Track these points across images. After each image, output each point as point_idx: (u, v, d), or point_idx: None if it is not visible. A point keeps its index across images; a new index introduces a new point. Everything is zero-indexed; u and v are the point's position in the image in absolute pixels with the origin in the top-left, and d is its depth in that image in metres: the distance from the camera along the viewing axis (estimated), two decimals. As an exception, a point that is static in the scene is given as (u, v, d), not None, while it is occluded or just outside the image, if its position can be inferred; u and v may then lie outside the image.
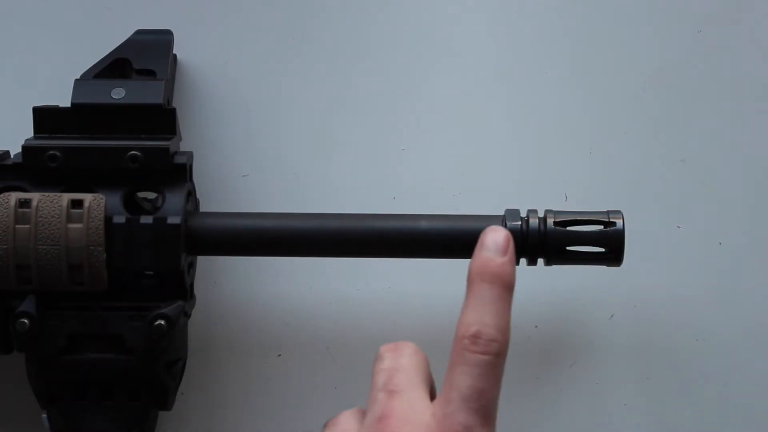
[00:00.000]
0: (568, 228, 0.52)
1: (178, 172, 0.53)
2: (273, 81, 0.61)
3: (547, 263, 0.52)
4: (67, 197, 0.51)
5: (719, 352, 0.61)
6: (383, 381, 0.41)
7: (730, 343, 0.61)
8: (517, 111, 0.61)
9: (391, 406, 0.40)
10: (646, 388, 0.61)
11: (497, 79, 0.61)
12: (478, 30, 0.61)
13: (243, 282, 0.61)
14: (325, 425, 0.43)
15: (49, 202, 0.51)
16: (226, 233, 0.53)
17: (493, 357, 0.40)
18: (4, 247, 0.50)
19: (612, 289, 0.61)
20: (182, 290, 0.53)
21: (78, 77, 0.55)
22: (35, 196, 0.51)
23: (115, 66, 0.56)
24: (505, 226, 0.51)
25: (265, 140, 0.61)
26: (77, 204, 0.51)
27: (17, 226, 0.50)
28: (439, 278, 0.59)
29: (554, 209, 0.52)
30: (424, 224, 0.52)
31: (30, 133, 0.54)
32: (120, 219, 0.51)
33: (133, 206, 0.53)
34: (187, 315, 0.54)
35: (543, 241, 0.51)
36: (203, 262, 0.60)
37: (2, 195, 0.51)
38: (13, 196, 0.51)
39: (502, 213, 0.52)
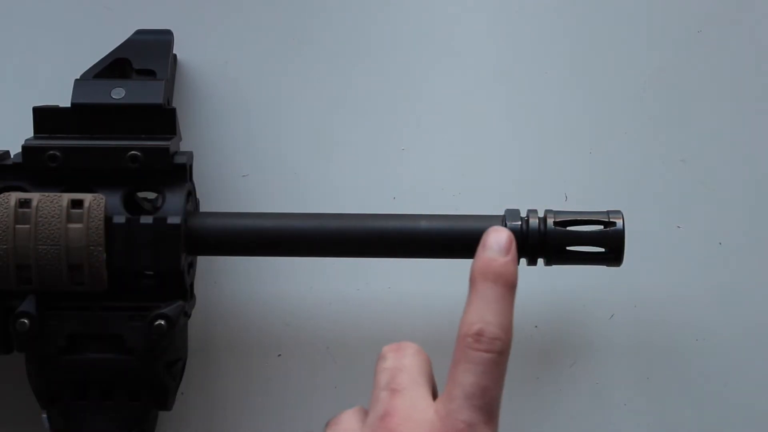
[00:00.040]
0: (568, 228, 0.52)
1: (178, 172, 0.53)
2: (273, 81, 0.61)
3: (547, 263, 0.52)
4: (67, 197, 0.51)
5: (719, 352, 0.61)
6: (386, 380, 0.41)
7: (730, 343, 0.61)
8: (517, 111, 0.61)
9: (394, 404, 0.40)
10: (646, 388, 0.61)
11: (497, 79, 0.61)
12: (478, 30, 0.61)
13: (243, 282, 0.61)
14: (327, 424, 0.43)
15: (49, 202, 0.51)
16: (226, 233, 0.53)
17: (497, 355, 0.40)
18: (4, 247, 0.50)
19: (612, 289, 0.61)
20: (182, 290, 0.53)
21: (78, 77, 0.55)
22: (35, 196, 0.51)
23: (115, 66, 0.56)
24: (505, 226, 0.51)
25: (265, 140, 0.61)
26: (77, 204, 0.51)
27: (17, 226, 0.50)
28: (439, 278, 0.59)
29: (554, 209, 0.52)
30: (424, 224, 0.52)
31: (30, 133, 0.54)
32: (120, 219, 0.51)
33: (133, 206, 0.53)
34: (187, 315, 0.54)
35: (543, 241, 0.51)
36: (203, 262, 0.60)
37: (2, 195, 0.51)
38: (13, 196, 0.51)
39: (502, 213, 0.52)
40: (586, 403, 0.61)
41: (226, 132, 0.61)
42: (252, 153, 0.61)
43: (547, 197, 0.59)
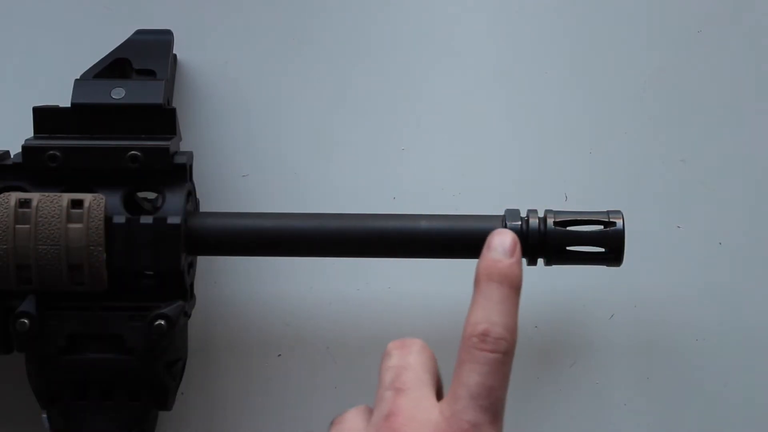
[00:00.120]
0: (568, 228, 0.52)
1: (178, 172, 0.53)
2: (273, 81, 0.61)
3: (547, 263, 0.52)
4: (67, 197, 0.51)
5: (719, 352, 0.61)
6: (390, 379, 0.41)
7: (730, 343, 0.61)
8: (517, 111, 0.61)
9: (399, 404, 0.40)
10: (646, 388, 0.61)
11: (497, 79, 0.61)
12: (478, 30, 0.61)
13: (243, 282, 0.61)
14: (332, 423, 0.43)
15: (49, 202, 0.51)
16: (226, 233, 0.53)
17: (502, 355, 0.40)
18: (4, 247, 0.50)
19: (612, 289, 0.61)
20: (182, 290, 0.53)
21: (78, 77, 0.55)
22: (35, 196, 0.51)
23: (115, 66, 0.56)
24: (505, 226, 0.51)
25: (265, 140, 0.61)
26: (77, 204, 0.51)
27: (17, 226, 0.50)
28: (439, 278, 0.59)
29: (554, 209, 0.52)
30: (424, 224, 0.52)
31: (30, 133, 0.54)
32: (120, 219, 0.51)
33: (133, 206, 0.53)
34: (187, 315, 0.54)
35: (543, 241, 0.51)
36: (203, 262, 0.60)
37: (2, 195, 0.51)
38: (13, 196, 0.51)
39: (502, 213, 0.52)
40: (586, 403, 0.61)
41: (226, 132, 0.61)
42: (252, 153, 0.61)
43: (547, 197, 0.59)
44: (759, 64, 0.61)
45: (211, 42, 0.61)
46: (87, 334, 0.52)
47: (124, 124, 0.54)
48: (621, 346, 0.61)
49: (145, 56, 0.56)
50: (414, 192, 0.61)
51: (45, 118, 0.54)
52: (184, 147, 0.57)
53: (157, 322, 0.51)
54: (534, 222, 0.52)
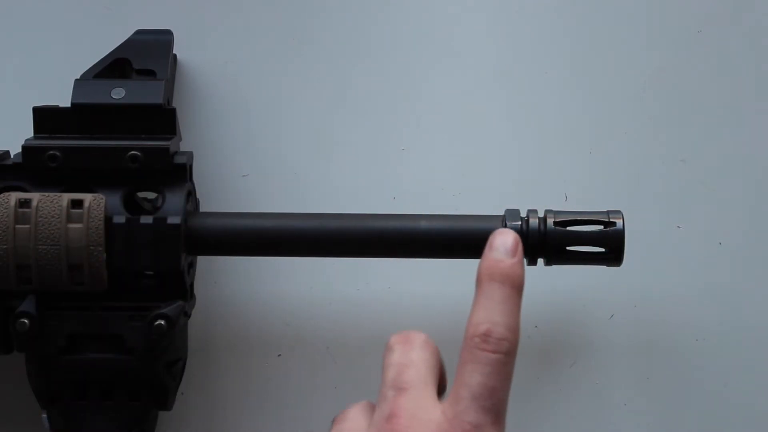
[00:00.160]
0: (568, 228, 0.52)
1: (178, 172, 0.53)
2: (273, 81, 0.61)
3: (547, 263, 0.52)
4: (67, 197, 0.51)
5: (719, 352, 0.61)
6: (392, 377, 0.41)
7: (730, 343, 0.61)
8: (517, 111, 0.61)
9: (400, 404, 0.40)
10: (646, 388, 0.61)
11: (497, 79, 0.61)
12: (478, 30, 0.61)
13: (243, 282, 0.61)
14: (333, 421, 0.43)
15: (49, 202, 0.51)
16: (226, 233, 0.53)
17: (504, 356, 0.40)
18: (4, 247, 0.50)
19: (612, 289, 0.61)
20: (182, 290, 0.53)
21: (78, 77, 0.55)
22: (35, 196, 0.51)
23: (115, 66, 0.56)
24: (505, 226, 0.51)
25: (265, 140, 0.61)
26: (77, 204, 0.51)
27: (17, 226, 0.50)
28: (439, 278, 0.59)
29: (554, 209, 0.52)
30: (424, 224, 0.52)
31: (30, 133, 0.54)
32: (120, 219, 0.51)
33: (133, 206, 0.53)
34: (187, 315, 0.54)
35: (543, 241, 0.51)
36: (203, 262, 0.60)
37: (2, 195, 0.51)
38: (13, 196, 0.51)
39: (502, 213, 0.52)
40: (586, 403, 0.61)
41: (226, 132, 0.61)
42: (252, 153, 0.61)
43: (547, 197, 0.59)
44: (759, 64, 0.61)
45: (211, 42, 0.61)
46: (87, 334, 0.52)
47: (124, 124, 0.54)
48: (621, 346, 0.61)
49: (145, 56, 0.56)
50: (414, 192, 0.61)
51: (45, 118, 0.54)
52: (184, 147, 0.57)
53: (157, 322, 0.51)
54: (534, 222, 0.52)
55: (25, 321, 0.51)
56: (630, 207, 0.55)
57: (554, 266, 0.53)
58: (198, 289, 0.58)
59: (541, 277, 0.56)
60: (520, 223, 0.52)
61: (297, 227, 0.53)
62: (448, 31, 0.61)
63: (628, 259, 0.52)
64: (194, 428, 0.62)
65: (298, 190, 0.61)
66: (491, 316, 0.41)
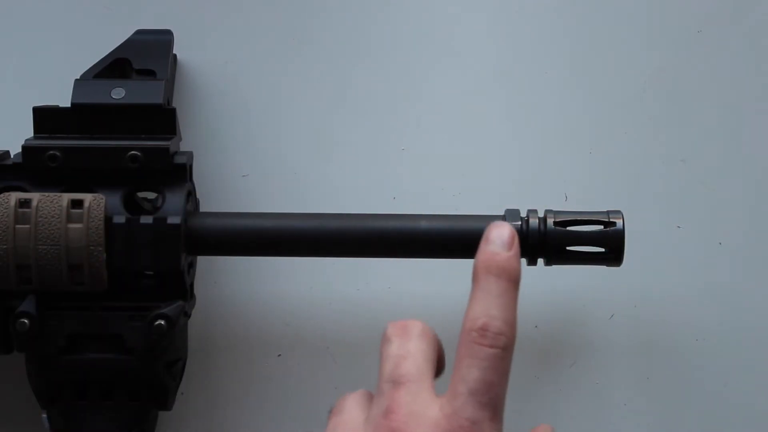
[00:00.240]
0: (568, 228, 0.52)
1: (178, 172, 0.53)
2: (273, 81, 0.61)
3: (547, 263, 0.52)
4: (67, 197, 0.51)
5: (719, 352, 0.61)
6: (390, 369, 0.41)
7: (730, 343, 0.61)
8: (517, 111, 0.61)
9: (397, 398, 0.40)
10: (646, 388, 0.61)
11: (497, 79, 0.61)
12: (478, 30, 0.61)
13: (243, 282, 0.61)
14: (331, 411, 0.42)
15: (49, 202, 0.51)
16: (226, 233, 0.53)
17: (501, 350, 0.40)
18: (4, 247, 0.50)
19: (612, 289, 0.61)
20: (182, 290, 0.53)
21: (78, 77, 0.55)
22: (35, 196, 0.51)
23: (115, 66, 0.56)
24: (505, 226, 0.51)
25: (265, 140, 0.61)
26: (77, 204, 0.51)
27: (17, 226, 0.50)
28: (439, 278, 0.59)
29: (554, 209, 0.52)
30: (424, 224, 0.52)
31: (30, 133, 0.54)
32: (120, 219, 0.51)
33: (133, 206, 0.53)
34: (187, 315, 0.54)
35: (543, 241, 0.51)
36: (203, 262, 0.60)
37: (2, 195, 0.51)
38: (13, 196, 0.51)
39: (502, 213, 0.52)
40: (586, 403, 0.61)
41: (226, 132, 0.61)
42: (252, 153, 0.61)
43: (547, 197, 0.59)
44: (759, 64, 0.61)
45: (211, 42, 0.61)
46: (87, 334, 0.52)
47: (124, 124, 0.54)
48: (621, 346, 0.61)
49: (145, 56, 0.56)
50: (414, 192, 0.61)
51: (45, 118, 0.54)
52: (184, 147, 0.57)
53: (157, 322, 0.51)
54: (534, 222, 0.52)
55: (25, 321, 0.51)
56: (630, 207, 0.55)
57: (554, 266, 0.53)
58: (198, 289, 0.58)
59: (541, 277, 0.56)
60: (520, 223, 0.52)
61: (297, 227, 0.53)
62: (448, 31, 0.61)
63: (628, 259, 0.52)
64: (194, 428, 0.62)
65: (298, 190, 0.61)
66: (488, 309, 0.40)
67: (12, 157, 0.54)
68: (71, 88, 0.54)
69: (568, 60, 0.61)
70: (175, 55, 0.60)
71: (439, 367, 0.43)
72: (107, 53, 0.56)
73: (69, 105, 0.54)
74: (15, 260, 0.50)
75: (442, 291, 0.60)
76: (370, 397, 0.42)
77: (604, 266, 0.53)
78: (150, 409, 0.54)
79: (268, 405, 0.61)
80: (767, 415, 0.61)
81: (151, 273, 0.52)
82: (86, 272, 0.51)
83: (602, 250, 0.52)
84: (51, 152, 0.52)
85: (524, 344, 0.60)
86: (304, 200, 0.61)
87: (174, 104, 0.58)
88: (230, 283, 0.61)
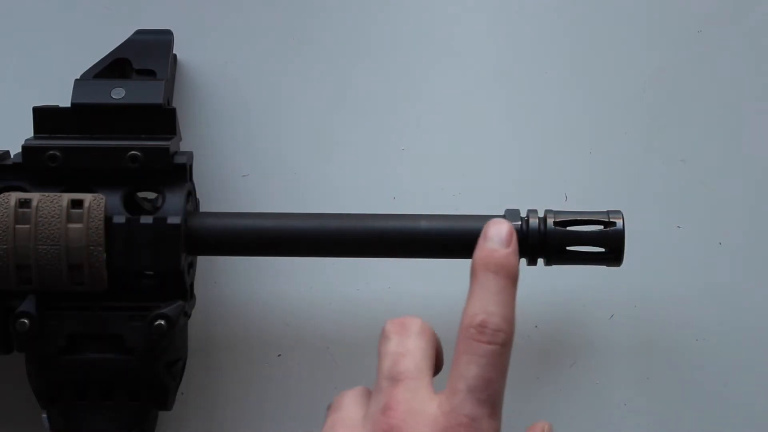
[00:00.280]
0: (568, 228, 0.52)
1: (178, 172, 0.53)
2: (273, 81, 0.61)
3: (547, 263, 0.52)
4: (67, 197, 0.51)
5: (719, 352, 0.61)
6: (388, 367, 0.41)
7: (730, 343, 0.61)
8: (517, 111, 0.61)
9: (396, 396, 0.40)
10: (646, 388, 0.61)
11: (497, 79, 0.61)
12: (478, 30, 0.61)
13: (243, 282, 0.61)
14: (329, 408, 0.42)
15: (49, 202, 0.51)
16: (226, 233, 0.53)
17: (499, 347, 0.40)
18: (4, 247, 0.50)
19: (612, 289, 0.61)
20: (182, 290, 0.53)
21: (78, 77, 0.55)
22: (35, 196, 0.51)
23: (115, 66, 0.56)
24: (505, 226, 0.51)
25: (265, 140, 0.61)
26: (77, 204, 0.51)
27: (17, 226, 0.50)
28: (439, 278, 0.59)
29: (554, 209, 0.52)
30: (424, 224, 0.52)
31: (30, 133, 0.54)
32: (120, 219, 0.51)
33: (133, 206, 0.53)
34: (187, 315, 0.54)
35: (543, 241, 0.51)
36: (203, 262, 0.60)
37: (2, 195, 0.51)
38: (13, 196, 0.51)
39: (502, 213, 0.52)
40: (586, 403, 0.61)
41: (226, 132, 0.61)
42: (252, 153, 0.61)
43: (547, 197, 0.59)
44: (759, 64, 0.61)
45: (211, 42, 0.61)
46: (87, 334, 0.52)
47: (124, 124, 0.54)
48: (621, 346, 0.61)
49: (145, 56, 0.56)
50: (414, 192, 0.61)
51: (45, 118, 0.54)
52: (184, 147, 0.57)
53: (157, 322, 0.51)
54: (534, 222, 0.52)
55: (25, 321, 0.51)
56: (630, 207, 0.55)
57: (554, 266, 0.53)
58: (198, 289, 0.58)
59: (541, 277, 0.56)
60: (520, 223, 0.52)
61: (297, 227, 0.53)
62: (448, 31, 0.61)
63: (628, 259, 0.52)
64: (194, 428, 0.62)
65: (298, 190, 0.61)
66: (487, 306, 0.40)
67: (12, 157, 0.54)
68: (71, 88, 0.54)
69: (568, 60, 0.61)
70: (175, 55, 0.60)
71: (437, 365, 0.43)
72: (107, 53, 0.56)
73: (69, 105, 0.54)
74: (15, 260, 0.50)
75: (442, 291, 0.60)
76: (369, 394, 0.42)
77: (604, 266, 0.53)
78: (150, 409, 0.54)
79: (268, 405, 0.61)
80: (767, 415, 0.61)
81: (151, 273, 0.52)
82: (86, 272, 0.51)
83: (602, 250, 0.52)
84: (51, 152, 0.52)
85: (524, 344, 0.61)
86: (304, 200, 0.61)
87: (174, 104, 0.58)
88: (230, 283, 0.61)
